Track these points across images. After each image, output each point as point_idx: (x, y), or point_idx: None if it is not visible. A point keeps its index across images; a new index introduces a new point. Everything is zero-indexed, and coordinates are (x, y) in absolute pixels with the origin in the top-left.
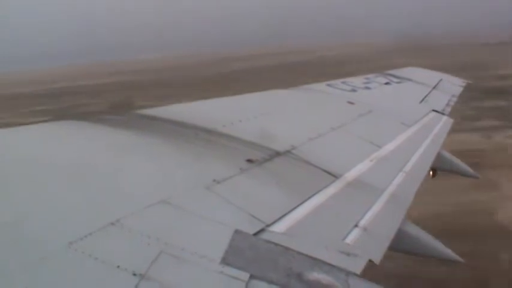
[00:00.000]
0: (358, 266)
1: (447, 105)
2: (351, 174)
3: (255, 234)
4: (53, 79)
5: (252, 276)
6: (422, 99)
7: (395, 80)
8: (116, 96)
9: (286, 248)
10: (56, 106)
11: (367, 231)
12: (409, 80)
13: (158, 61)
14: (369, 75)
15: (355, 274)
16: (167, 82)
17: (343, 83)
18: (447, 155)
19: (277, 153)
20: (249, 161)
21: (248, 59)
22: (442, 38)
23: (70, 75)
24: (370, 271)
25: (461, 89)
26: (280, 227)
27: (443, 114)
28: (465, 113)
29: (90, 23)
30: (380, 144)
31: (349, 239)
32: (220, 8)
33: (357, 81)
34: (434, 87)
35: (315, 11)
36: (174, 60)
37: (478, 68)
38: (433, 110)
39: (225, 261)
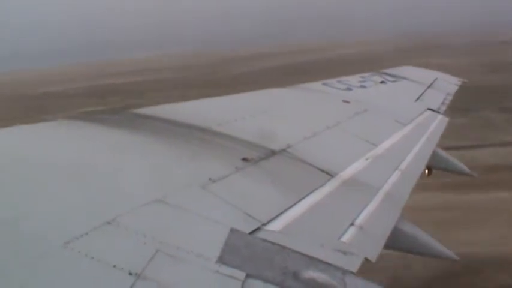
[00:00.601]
0: (354, 265)
1: (442, 103)
2: (347, 173)
3: (251, 233)
4: (75, 77)
5: (248, 275)
6: (418, 98)
7: (390, 78)
8: (162, 96)
9: (282, 247)
10: (107, 106)
11: (363, 229)
12: (405, 78)
13: (161, 60)
14: (364, 74)
15: (351, 272)
16: (195, 82)
17: (338, 82)
18: (443, 153)
19: (273, 152)
20: (245, 159)
21: (255, 59)
22: (447, 36)
23: (89, 74)
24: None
25: (456, 87)
26: (276, 226)
27: (438, 112)
28: None
29: (87, 21)
30: (375, 142)
31: (345, 238)
32: (220, 7)
33: (353, 80)
34: (429, 86)
35: (314, 10)
36: (178, 59)
37: None
38: (429, 109)
39: (221, 260)
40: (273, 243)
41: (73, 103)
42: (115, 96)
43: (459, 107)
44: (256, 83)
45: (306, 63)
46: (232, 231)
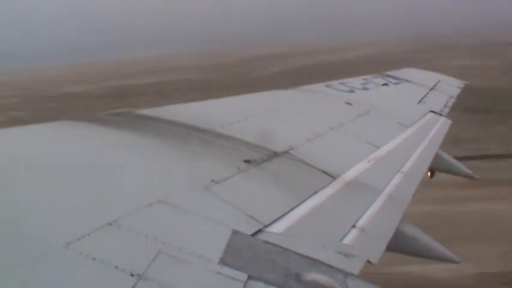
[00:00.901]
0: (356, 267)
1: (445, 106)
2: (349, 175)
3: (253, 234)
4: (78, 78)
5: (250, 277)
6: (420, 100)
7: (393, 81)
8: (187, 98)
9: (284, 249)
10: (130, 108)
11: (364, 231)
12: (407, 81)
13: (162, 60)
14: (367, 76)
15: (353, 275)
16: (216, 83)
17: (341, 83)
18: (445, 155)
19: (275, 154)
20: (247, 161)
21: (262, 60)
22: (450, 37)
23: (92, 74)
24: None
25: (459, 90)
26: (278, 228)
27: (441, 115)
28: None
29: (86, 22)
30: (378, 144)
31: (347, 240)
32: (220, 7)
33: (355, 82)
34: (432, 88)
35: (315, 10)
36: (181, 59)
37: None
38: (431, 111)
39: (223, 261)
40: (275, 245)
41: (89, 105)
42: (138, 98)
43: (508, 110)
44: (274, 84)
45: (314, 65)
46: (234, 232)
